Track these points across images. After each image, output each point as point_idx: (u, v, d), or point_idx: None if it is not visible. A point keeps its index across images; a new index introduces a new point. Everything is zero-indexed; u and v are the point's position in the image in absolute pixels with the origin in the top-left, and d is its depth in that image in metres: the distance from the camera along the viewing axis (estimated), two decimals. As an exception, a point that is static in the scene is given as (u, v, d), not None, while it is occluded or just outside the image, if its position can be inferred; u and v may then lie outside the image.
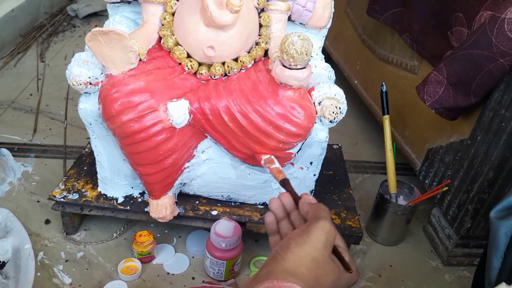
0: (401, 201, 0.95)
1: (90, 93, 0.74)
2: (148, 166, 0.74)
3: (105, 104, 0.68)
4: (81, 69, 0.70)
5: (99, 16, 2.03)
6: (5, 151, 1.09)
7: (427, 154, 0.97)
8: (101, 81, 0.71)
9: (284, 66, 0.67)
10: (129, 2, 0.81)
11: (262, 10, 0.77)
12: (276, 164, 0.68)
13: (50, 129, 1.21)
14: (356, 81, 1.34)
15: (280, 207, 0.57)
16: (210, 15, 0.66)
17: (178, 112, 0.70)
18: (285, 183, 0.61)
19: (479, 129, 0.80)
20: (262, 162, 0.70)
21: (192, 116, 0.72)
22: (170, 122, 0.70)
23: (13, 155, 1.08)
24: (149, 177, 0.76)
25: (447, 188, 0.88)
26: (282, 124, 0.69)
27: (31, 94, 1.36)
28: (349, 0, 1.38)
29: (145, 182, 0.78)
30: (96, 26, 1.96)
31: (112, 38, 0.64)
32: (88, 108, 0.74)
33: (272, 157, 0.70)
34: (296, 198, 0.56)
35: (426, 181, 0.97)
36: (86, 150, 0.97)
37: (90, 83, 0.70)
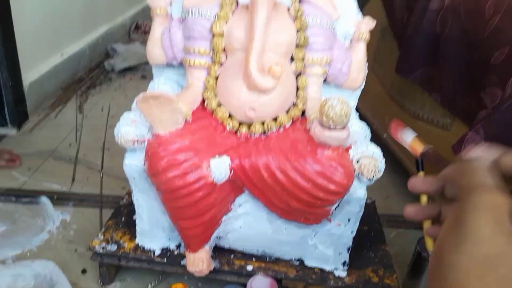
0: (438, 259, 0.93)
1: (136, 150, 0.78)
2: (188, 220, 0.76)
3: (152, 162, 0.72)
4: (129, 127, 0.74)
5: (134, 70, 2.15)
6: (44, 199, 1.13)
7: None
8: (147, 139, 0.75)
9: (323, 126, 0.70)
10: (173, 66, 0.87)
11: (299, 74, 0.81)
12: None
13: (88, 178, 1.26)
14: (385, 135, 1.36)
15: (429, 183, 0.39)
16: (254, 80, 0.70)
17: (220, 169, 0.73)
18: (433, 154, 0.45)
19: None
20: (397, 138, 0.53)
21: (232, 172, 0.74)
22: (212, 178, 0.73)
23: (52, 204, 1.12)
24: (188, 231, 0.78)
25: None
26: (322, 182, 0.71)
27: (70, 144, 1.42)
28: (376, 57, 1.43)
29: (183, 236, 0.80)
30: (131, 79, 2.08)
31: (162, 101, 0.69)
32: (133, 163, 0.78)
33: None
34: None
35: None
36: (124, 201, 1.00)
37: (137, 141, 0.75)
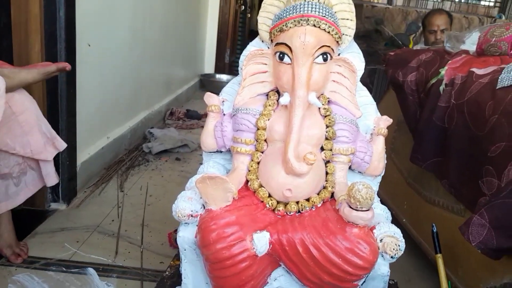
0: None
1: (188, 224, 0.90)
2: (230, 289, 0.86)
3: (204, 234, 0.83)
4: (186, 204, 0.88)
5: (169, 152, 2.35)
6: (91, 270, 1.23)
7: (482, 293, 1.02)
8: (200, 214, 0.88)
9: (350, 207, 0.82)
10: (220, 152, 1.03)
11: (328, 161, 0.95)
12: None
13: (129, 252, 1.36)
14: (404, 220, 1.45)
15: None
16: (291, 166, 0.84)
17: (261, 242, 0.84)
18: None
19: (529, 270, 0.87)
20: None
21: (271, 246, 0.85)
22: (254, 251, 0.83)
23: (98, 275, 1.22)
24: (230, 300, 0.87)
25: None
26: (350, 257, 0.81)
27: (113, 220, 1.55)
28: (394, 147, 1.57)
29: (225, 305, 0.88)
30: (166, 161, 2.27)
31: (217, 181, 0.83)
32: (186, 236, 0.90)
33: None
34: None
35: (484, 322, 1.00)
36: (167, 273, 1.10)
37: (192, 216, 0.87)
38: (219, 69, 4.79)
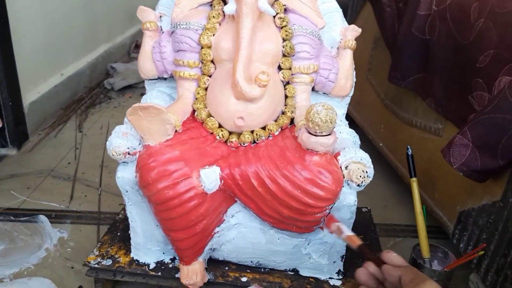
0: (436, 266, 0.92)
1: (127, 163, 0.78)
2: (180, 231, 0.76)
3: (143, 173, 0.72)
4: (121, 140, 0.75)
5: (133, 88, 2.18)
6: (42, 218, 1.14)
7: (459, 217, 0.96)
8: (139, 151, 0.76)
9: (310, 133, 0.70)
10: (165, 79, 0.89)
11: (288, 82, 0.82)
12: (347, 232, 0.68)
13: (86, 196, 1.26)
14: (381, 144, 1.36)
15: (371, 278, 0.54)
16: (240, 89, 0.71)
17: (210, 178, 0.73)
18: (363, 249, 0.60)
19: (510, 191, 0.79)
20: (333, 232, 0.70)
21: (223, 181, 0.75)
22: (202, 188, 0.73)
23: (50, 222, 1.12)
24: (180, 243, 0.78)
25: (483, 252, 0.85)
26: (310, 189, 0.71)
27: (69, 163, 1.43)
28: (370, 67, 1.44)
29: (176, 248, 0.80)
30: (130, 97, 2.10)
31: (151, 112, 0.70)
32: (125, 176, 0.78)
33: (339, 224, 0.69)
34: (380, 263, 0.54)
35: (461, 245, 0.94)
36: (120, 216, 1.01)
37: (129, 153, 0.75)
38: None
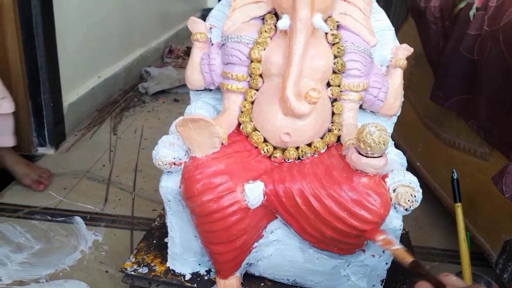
0: (478, 296, 0.89)
1: (172, 172, 0.78)
2: (220, 245, 0.76)
3: (188, 184, 0.72)
4: (167, 150, 0.75)
5: (166, 93, 2.21)
6: (78, 219, 1.15)
7: (504, 245, 0.92)
8: (184, 162, 0.76)
9: (360, 154, 0.69)
10: (210, 90, 0.89)
11: (335, 99, 0.81)
12: (397, 245, 0.63)
13: (120, 199, 1.28)
14: (418, 164, 1.33)
15: None
16: (290, 105, 0.70)
17: (254, 194, 0.72)
18: (416, 266, 0.56)
19: None
20: (379, 243, 0.66)
21: (266, 197, 0.74)
22: (245, 203, 0.72)
23: (85, 224, 1.14)
24: (219, 256, 0.77)
25: (531, 285, 0.81)
26: (358, 211, 0.69)
27: (104, 165, 1.45)
28: (409, 84, 1.41)
29: (215, 261, 0.79)
30: (163, 102, 2.13)
31: (201, 125, 0.69)
32: (169, 186, 0.78)
33: (390, 237, 0.65)
34: (437, 283, 0.50)
35: (505, 276, 0.90)
36: (156, 223, 1.01)
37: (174, 164, 0.75)
38: (222, 3, 4.49)
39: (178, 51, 2.92)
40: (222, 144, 0.75)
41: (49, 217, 1.16)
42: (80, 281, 0.91)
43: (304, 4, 0.68)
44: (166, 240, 0.95)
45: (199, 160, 0.73)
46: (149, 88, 2.15)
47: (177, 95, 2.21)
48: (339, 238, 0.73)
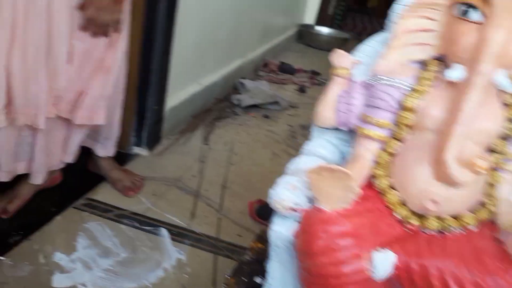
0: None
1: (287, 217, 0.70)
2: (330, 313, 0.65)
3: (308, 239, 0.63)
4: (289, 193, 0.67)
5: (258, 107, 2.16)
6: (164, 232, 1.12)
7: None
8: (304, 210, 0.67)
9: (531, 247, 0.55)
10: (337, 129, 0.79)
11: (494, 169, 0.67)
12: None
13: (206, 216, 1.23)
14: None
15: None
16: (449, 171, 0.59)
17: (383, 265, 0.61)
18: None
19: None
20: None
21: (395, 271, 0.62)
22: (371, 274, 0.61)
23: (171, 238, 1.10)
24: (326, 325, 0.67)
25: None
26: (514, 316, 0.55)
27: (193, 176, 1.42)
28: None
29: (318, 328, 0.69)
30: (253, 117, 2.08)
31: (337, 176, 0.60)
32: (281, 231, 0.70)
33: None
34: None
35: None
36: (246, 257, 0.93)
37: (293, 210, 0.67)
38: (320, 20, 4.41)
39: (272, 66, 2.89)
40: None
41: (137, 224, 1.13)
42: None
43: (489, 57, 0.57)
44: (256, 279, 0.87)
45: (325, 214, 0.63)
46: (243, 100, 2.12)
47: (267, 111, 2.16)
48: None
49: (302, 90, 2.61)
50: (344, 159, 0.80)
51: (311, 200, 0.67)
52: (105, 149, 1.21)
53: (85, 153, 1.22)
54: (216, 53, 2.02)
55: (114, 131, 1.19)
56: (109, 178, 1.25)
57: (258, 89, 2.23)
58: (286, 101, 2.28)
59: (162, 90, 1.45)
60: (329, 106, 0.75)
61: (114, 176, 1.25)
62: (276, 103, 2.21)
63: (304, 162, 0.74)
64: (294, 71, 2.94)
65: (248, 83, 2.32)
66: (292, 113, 2.21)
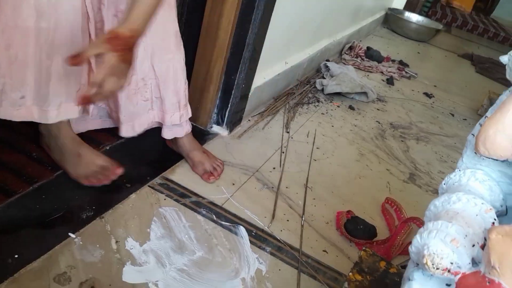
0: None
1: (433, 276, 0.53)
2: None
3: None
4: (446, 248, 0.50)
5: (342, 96, 1.97)
6: (243, 231, 1.00)
7: None
8: (462, 273, 0.50)
9: None
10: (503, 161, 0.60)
11: None
12: None
13: (288, 220, 1.09)
14: None
15: None
16: None
17: None
18: None
19: None
20: None
21: None
22: None
23: (250, 241, 0.97)
24: None
25: None
26: None
27: (274, 168, 1.28)
28: None
29: None
30: (338, 106, 1.89)
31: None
32: (422, 292, 0.54)
33: None
34: None
35: None
36: (343, 289, 0.78)
37: (449, 271, 0.50)
38: (409, 5, 4.05)
39: (358, 49, 2.65)
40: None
41: (214, 217, 1.01)
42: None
43: None
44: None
45: (503, 291, 0.46)
46: (327, 86, 1.93)
47: (353, 101, 1.96)
48: None
49: (390, 81, 2.37)
50: (505, 202, 0.62)
51: (474, 262, 0.50)
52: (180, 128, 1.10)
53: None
54: (306, 31, 1.84)
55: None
56: (189, 159, 1.15)
57: (346, 76, 2.02)
58: (374, 93, 2.06)
59: (253, 67, 1.31)
60: (506, 132, 0.57)
61: (195, 157, 1.14)
62: (364, 94, 2.00)
63: (462, 202, 0.57)
64: (381, 58, 2.68)
65: (333, 66, 2.11)
66: (379, 107, 2.00)
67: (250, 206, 1.09)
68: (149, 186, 1.05)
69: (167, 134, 1.11)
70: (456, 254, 0.50)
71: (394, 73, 2.55)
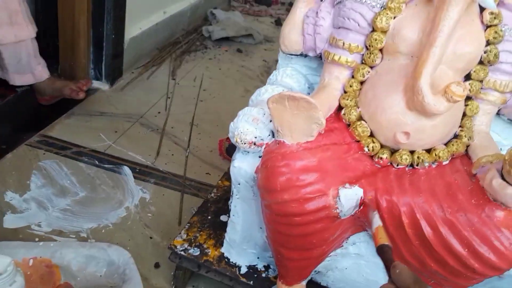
0: None
1: (248, 152, 0.64)
2: (294, 251, 0.63)
3: (269, 175, 0.58)
4: (249, 126, 0.61)
5: (230, 41, 2.04)
6: (127, 170, 1.06)
7: None
8: (267, 144, 0.61)
9: (505, 180, 0.51)
10: (305, 56, 0.72)
11: (470, 97, 0.62)
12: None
13: (173, 154, 1.17)
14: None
15: None
16: (422, 100, 0.53)
17: (349, 202, 0.58)
18: (383, 251, 0.48)
19: None
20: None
21: (361, 207, 0.59)
22: (336, 212, 0.58)
23: (134, 177, 1.04)
24: (290, 262, 0.65)
25: None
26: (482, 250, 0.53)
27: (159, 112, 1.34)
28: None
29: (282, 265, 0.67)
30: (226, 50, 1.97)
31: (300, 105, 0.54)
32: (242, 167, 0.65)
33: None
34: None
35: None
36: (212, 195, 0.89)
37: (255, 144, 0.61)
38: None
39: (247, -4, 2.71)
40: (319, 132, 0.59)
41: (97, 162, 1.07)
42: (124, 249, 0.81)
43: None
44: (222, 218, 0.84)
45: (288, 148, 0.58)
46: (213, 32, 1.98)
47: (241, 45, 2.04)
48: (445, 275, 0.58)
49: (278, 22, 2.47)
50: (312, 90, 0.74)
51: (274, 134, 0.62)
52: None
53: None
54: (183, -21, 1.86)
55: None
56: (55, 90, 1.19)
57: (231, 21, 2.09)
58: (262, 35, 2.15)
59: (120, 17, 1.32)
60: (295, 28, 0.68)
61: (60, 84, 1.19)
62: (250, 36, 2.08)
63: (268, 92, 0.68)
64: (270, 2, 2.76)
65: (219, 13, 2.16)
66: (267, 48, 2.10)
67: (135, 149, 1.15)
68: (26, 144, 1.07)
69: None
70: (257, 130, 0.61)
71: (283, 14, 2.65)
